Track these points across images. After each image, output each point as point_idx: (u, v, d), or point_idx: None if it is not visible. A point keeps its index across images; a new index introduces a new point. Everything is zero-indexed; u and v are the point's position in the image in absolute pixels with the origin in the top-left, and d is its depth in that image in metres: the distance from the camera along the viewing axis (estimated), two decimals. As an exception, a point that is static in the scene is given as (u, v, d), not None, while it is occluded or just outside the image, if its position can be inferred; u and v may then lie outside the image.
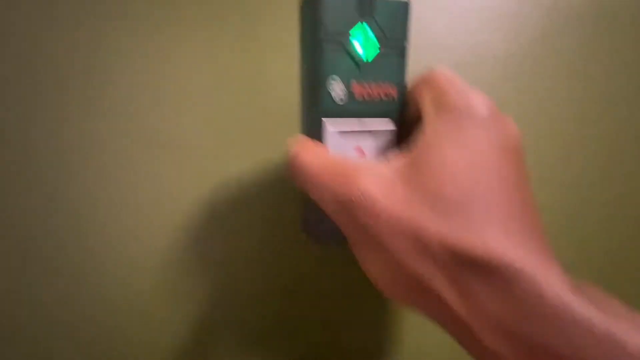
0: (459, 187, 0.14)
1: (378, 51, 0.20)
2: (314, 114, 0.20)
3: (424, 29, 0.34)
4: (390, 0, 0.20)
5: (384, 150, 0.22)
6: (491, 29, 0.33)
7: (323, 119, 0.20)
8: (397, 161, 0.17)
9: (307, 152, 0.19)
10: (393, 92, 0.21)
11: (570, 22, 0.33)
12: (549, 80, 0.33)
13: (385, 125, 0.21)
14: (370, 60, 0.20)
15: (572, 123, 0.33)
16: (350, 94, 0.20)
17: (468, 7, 0.34)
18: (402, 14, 0.20)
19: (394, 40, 0.20)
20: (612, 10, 0.33)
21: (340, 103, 0.20)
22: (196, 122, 0.28)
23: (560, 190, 0.34)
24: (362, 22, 0.20)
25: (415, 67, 0.33)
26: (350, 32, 0.19)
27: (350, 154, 0.21)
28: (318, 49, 0.19)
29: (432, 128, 0.16)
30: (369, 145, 0.21)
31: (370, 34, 0.20)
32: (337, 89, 0.20)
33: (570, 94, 0.33)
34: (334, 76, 0.20)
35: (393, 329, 0.34)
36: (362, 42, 0.20)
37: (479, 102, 0.16)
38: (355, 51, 0.20)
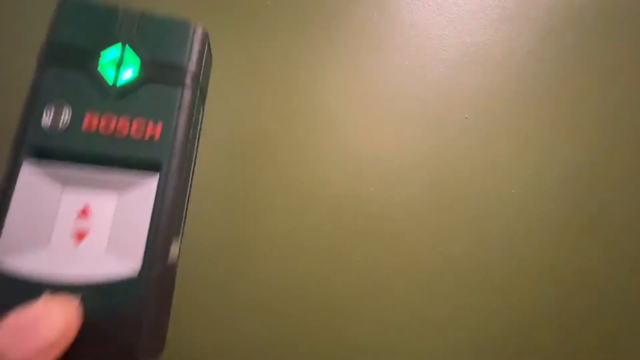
0: None
1: (137, 78, 0.16)
2: (15, 152, 0.14)
3: (422, 30, 0.34)
4: (167, 19, 0.17)
5: (132, 214, 0.15)
6: (491, 30, 0.33)
7: (25, 160, 0.14)
8: None
9: None
10: (154, 131, 0.15)
11: (571, 21, 0.33)
12: (551, 78, 0.33)
13: (135, 176, 0.15)
14: (122, 87, 0.15)
15: (572, 122, 0.33)
16: (79, 127, 0.14)
17: (467, 8, 0.34)
18: (181, 37, 0.17)
19: (167, 67, 0.16)
20: (612, 9, 0.33)
21: (61, 139, 0.14)
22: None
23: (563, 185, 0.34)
24: (120, 42, 0.16)
25: (415, 70, 0.33)
26: (101, 52, 0.15)
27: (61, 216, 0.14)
28: (42, 64, 0.15)
29: None
30: (107, 205, 0.15)
31: (131, 57, 0.16)
32: (59, 119, 0.14)
33: (571, 93, 0.33)
34: (59, 102, 0.15)
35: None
36: (115, 66, 0.16)
37: None
38: (104, 76, 0.15)
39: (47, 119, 0.14)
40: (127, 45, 0.16)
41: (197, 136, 0.17)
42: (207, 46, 0.17)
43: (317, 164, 0.31)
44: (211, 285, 0.28)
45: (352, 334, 0.28)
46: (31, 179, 0.14)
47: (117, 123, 0.15)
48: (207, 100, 0.18)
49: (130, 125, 0.15)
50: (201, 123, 0.18)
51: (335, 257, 0.30)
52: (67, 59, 0.15)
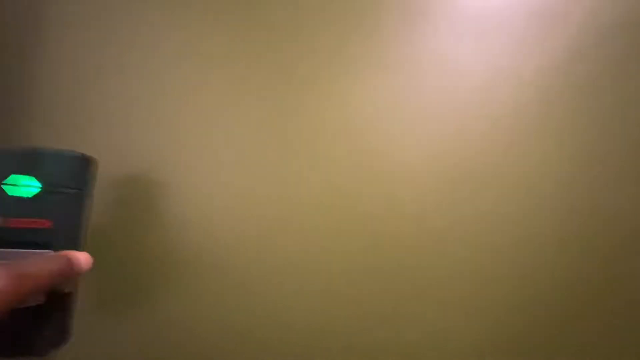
0: None
1: (37, 193, 0.25)
2: None
3: (447, 55, 0.34)
4: (61, 153, 0.26)
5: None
6: (519, 52, 0.33)
7: None
8: None
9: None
10: (48, 223, 0.25)
11: (602, 40, 0.33)
12: (581, 98, 0.33)
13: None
14: (29, 199, 0.25)
15: (604, 142, 0.33)
16: (5, 223, 0.24)
17: (493, 34, 0.34)
18: (68, 163, 0.26)
19: (56, 185, 0.25)
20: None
21: None
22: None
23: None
24: (20, 174, 0.25)
25: (434, 94, 0.33)
26: (7, 179, 0.24)
27: None
28: None
29: None
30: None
31: (31, 181, 0.25)
32: None
33: (602, 112, 0.33)
34: None
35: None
36: (20, 186, 0.25)
37: None
38: (13, 192, 0.24)
39: None
40: (31, 174, 0.25)
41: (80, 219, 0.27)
42: (86, 165, 0.27)
43: (342, 177, 0.34)
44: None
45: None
46: None
47: (28, 222, 0.25)
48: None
49: (36, 222, 0.25)
50: (85, 212, 0.27)
51: (373, 266, 0.31)
52: None
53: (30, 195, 0.25)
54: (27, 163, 0.25)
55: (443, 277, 0.33)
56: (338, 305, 0.33)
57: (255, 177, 0.34)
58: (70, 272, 0.24)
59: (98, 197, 0.29)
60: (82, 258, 0.25)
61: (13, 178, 0.25)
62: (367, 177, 0.34)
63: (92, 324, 0.33)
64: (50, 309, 0.25)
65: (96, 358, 0.33)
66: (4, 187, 0.24)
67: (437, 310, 0.32)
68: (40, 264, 0.23)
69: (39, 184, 0.25)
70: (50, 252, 0.25)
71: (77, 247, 0.26)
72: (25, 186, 0.25)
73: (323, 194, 0.34)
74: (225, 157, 0.35)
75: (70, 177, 0.26)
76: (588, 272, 0.32)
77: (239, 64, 0.35)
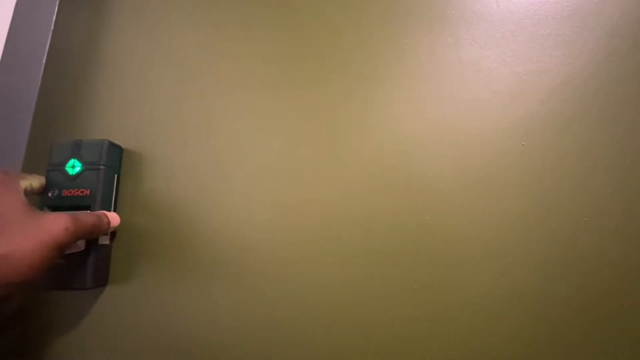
0: None
1: (81, 171, 0.35)
2: (43, 203, 0.35)
3: (470, 65, 0.33)
4: (94, 141, 0.37)
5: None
6: (545, 57, 0.32)
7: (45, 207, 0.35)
8: None
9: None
10: (88, 192, 0.35)
11: (635, 41, 0.31)
12: (614, 103, 0.30)
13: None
14: (76, 175, 0.35)
15: (635, 149, 0.30)
16: (60, 194, 0.35)
17: (516, 40, 0.33)
18: (99, 148, 0.36)
19: (93, 164, 0.36)
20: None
21: (55, 200, 0.35)
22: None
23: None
24: (73, 158, 0.36)
25: (465, 103, 0.33)
26: (66, 163, 0.36)
27: None
28: (47, 171, 0.36)
29: None
30: None
31: (77, 162, 0.36)
32: (53, 193, 0.35)
33: (631, 119, 0.30)
34: (54, 185, 0.35)
35: None
36: (72, 167, 0.35)
37: None
38: (68, 172, 0.35)
39: (50, 194, 0.35)
40: (75, 158, 0.36)
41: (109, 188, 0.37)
42: (110, 148, 0.37)
43: (360, 187, 0.34)
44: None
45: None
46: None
47: (74, 191, 0.35)
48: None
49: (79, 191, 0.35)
50: (112, 184, 0.38)
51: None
52: (54, 166, 0.36)
53: (76, 173, 0.35)
54: (74, 150, 0.36)
55: (466, 281, 0.31)
56: (357, 316, 0.32)
57: (277, 184, 0.36)
58: (104, 224, 0.34)
59: (147, 199, 0.38)
60: (112, 215, 0.35)
61: (70, 162, 0.36)
62: (387, 188, 0.34)
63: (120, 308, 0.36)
64: (89, 255, 0.34)
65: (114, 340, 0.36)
66: (66, 168, 0.35)
67: (465, 316, 0.30)
68: (86, 215, 0.32)
69: (81, 165, 0.35)
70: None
71: (109, 209, 0.37)
72: (73, 167, 0.36)
73: (340, 204, 0.34)
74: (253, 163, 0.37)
75: (101, 157, 0.36)
76: (622, 278, 0.28)
77: (269, 75, 0.38)
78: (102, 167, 0.35)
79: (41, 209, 0.34)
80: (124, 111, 0.41)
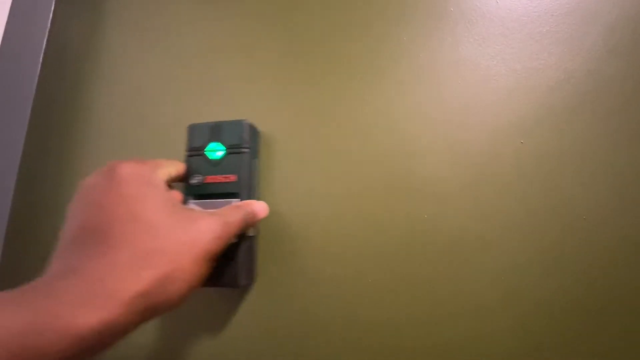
0: None
1: (224, 155, 0.32)
2: (185, 196, 0.32)
3: (467, 63, 0.33)
4: (233, 121, 0.33)
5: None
6: (544, 54, 0.32)
7: (188, 199, 0.32)
8: None
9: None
10: (234, 177, 0.32)
11: (633, 39, 0.30)
12: (614, 100, 0.30)
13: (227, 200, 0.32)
14: (219, 160, 0.32)
15: (636, 146, 0.30)
16: (203, 180, 0.32)
17: (515, 37, 0.33)
18: (241, 129, 0.33)
19: (236, 147, 0.32)
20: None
21: (199, 189, 0.32)
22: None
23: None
24: (215, 141, 0.33)
25: (463, 101, 0.32)
26: (207, 147, 0.33)
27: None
28: (187, 156, 0.33)
29: None
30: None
31: (220, 146, 0.32)
32: (196, 179, 0.32)
33: (633, 116, 0.30)
34: (196, 171, 0.32)
35: None
36: (214, 151, 0.32)
37: None
38: (209, 157, 0.32)
39: (194, 181, 0.32)
40: (218, 141, 0.33)
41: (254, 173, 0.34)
42: (252, 129, 0.34)
43: (360, 187, 0.34)
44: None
45: None
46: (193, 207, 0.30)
47: (219, 178, 0.32)
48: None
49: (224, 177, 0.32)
50: (256, 168, 0.35)
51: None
52: (194, 151, 0.33)
53: (219, 157, 0.32)
54: (215, 133, 0.33)
55: (463, 277, 0.31)
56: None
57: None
58: (254, 218, 0.30)
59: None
60: (262, 207, 0.31)
61: (210, 145, 0.33)
62: (384, 186, 0.33)
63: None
64: (238, 248, 0.31)
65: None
66: (206, 152, 0.32)
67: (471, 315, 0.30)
68: (235, 212, 0.27)
69: (224, 148, 0.32)
70: (237, 201, 0.31)
71: (254, 196, 0.33)
72: (216, 150, 0.32)
73: (337, 204, 0.34)
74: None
75: (245, 140, 0.33)
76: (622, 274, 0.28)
77: (266, 71, 0.38)
78: (245, 150, 0.32)
79: (185, 198, 0.32)
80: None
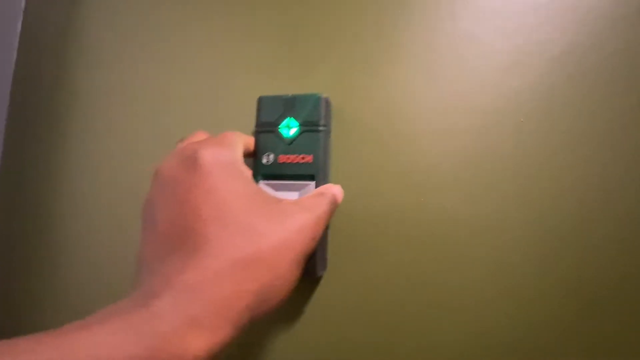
0: None
1: (299, 133, 0.29)
2: (255, 176, 0.30)
3: (466, 38, 0.32)
4: (308, 95, 0.30)
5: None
6: (546, 27, 0.31)
7: (259, 180, 0.30)
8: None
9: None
10: (310, 158, 0.29)
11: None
12: (618, 73, 0.29)
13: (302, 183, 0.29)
14: (293, 138, 0.29)
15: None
16: (276, 160, 0.29)
17: (515, 9, 0.32)
18: (316, 105, 0.30)
19: (311, 124, 0.29)
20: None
21: (271, 168, 0.30)
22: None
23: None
24: (288, 117, 0.30)
25: (462, 73, 0.31)
26: (280, 123, 0.30)
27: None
28: (257, 132, 0.30)
29: None
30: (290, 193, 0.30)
31: (293, 122, 0.30)
32: (269, 159, 0.30)
33: (638, 90, 0.29)
34: (267, 149, 0.30)
35: None
36: (287, 128, 0.30)
37: None
38: (282, 134, 0.30)
39: (265, 160, 0.30)
40: (291, 117, 0.30)
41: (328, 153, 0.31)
42: (327, 105, 0.31)
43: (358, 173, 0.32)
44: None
45: None
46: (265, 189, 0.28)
47: (293, 158, 0.29)
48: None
49: (299, 157, 0.29)
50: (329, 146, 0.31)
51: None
52: (266, 127, 0.30)
53: (294, 135, 0.29)
54: (288, 107, 0.30)
55: (461, 264, 0.30)
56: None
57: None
58: (335, 207, 0.26)
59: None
60: (340, 191, 0.28)
61: (286, 121, 0.30)
62: (379, 168, 0.32)
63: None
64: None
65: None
66: (280, 129, 0.30)
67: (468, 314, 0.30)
68: (322, 203, 0.24)
69: (297, 124, 0.29)
70: (313, 184, 0.29)
71: (328, 179, 0.31)
72: (289, 127, 0.30)
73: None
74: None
75: (320, 116, 0.29)
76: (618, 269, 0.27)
77: (251, 58, 0.37)
78: (322, 127, 0.29)
79: (255, 177, 0.29)
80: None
